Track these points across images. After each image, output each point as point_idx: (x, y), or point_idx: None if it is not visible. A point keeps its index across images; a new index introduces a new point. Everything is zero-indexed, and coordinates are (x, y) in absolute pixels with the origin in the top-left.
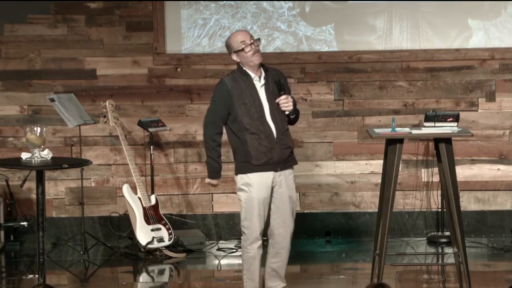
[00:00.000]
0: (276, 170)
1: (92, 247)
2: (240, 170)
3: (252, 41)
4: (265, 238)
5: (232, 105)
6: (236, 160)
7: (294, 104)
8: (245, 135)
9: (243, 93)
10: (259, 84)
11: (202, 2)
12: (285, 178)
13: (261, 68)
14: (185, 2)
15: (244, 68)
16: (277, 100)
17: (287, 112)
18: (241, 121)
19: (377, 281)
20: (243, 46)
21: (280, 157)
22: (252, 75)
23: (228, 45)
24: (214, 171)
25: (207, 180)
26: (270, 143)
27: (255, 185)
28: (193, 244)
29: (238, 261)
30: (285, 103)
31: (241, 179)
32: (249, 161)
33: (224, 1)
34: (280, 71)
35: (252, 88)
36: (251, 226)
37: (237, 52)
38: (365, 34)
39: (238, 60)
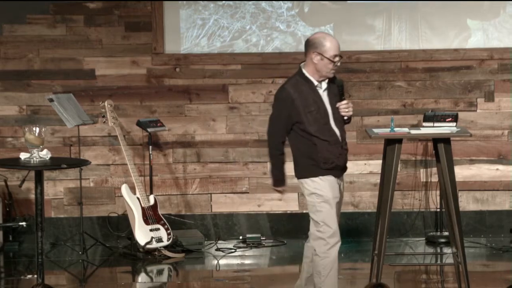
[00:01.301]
0: (338, 176)
1: (90, 247)
2: (309, 173)
3: (339, 59)
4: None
5: (299, 114)
6: (302, 164)
7: None
8: (314, 140)
9: (307, 100)
10: (321, 90)
11: (201, 2)
12: (342, 183)
13: None
14: (184, 2)
15: (306, 74)
16: (337, 105)
17: (346, 117)
18: (308, 129)
19: (376, 281)
20: (335, 60)
21: (344, 162)
22: (315, 82)
23: (317, 44)
24: (278, 180)
25: (273, 187)
26: (338, 149)
27: (327, 187)
28: (191, 244)
29: (236, 261)
30: (346, 108)
31: (312, 182)
32: (319, 165)
33: (223, 1)
34: (340, 79)
35: (315, 94)
36: (328, 230)
37: (323, 57)
38: (364, 34)
39: (315, 62)
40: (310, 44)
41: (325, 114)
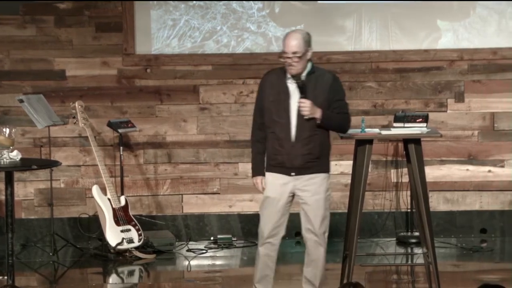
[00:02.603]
0: (289, 175)
1: (61, 248)
2: (265, 168)
3: (291, 56)
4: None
5: (263, 100)
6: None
7: (339, 117)
8: (268, 133)
9: (272, 90)
10: (293, 86)
11: (171, 3)
12: (307, 182)
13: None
14: (155, 3)
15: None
16: (297, 102)
17: (305, 117)
18: (267, 118)
19: (351, 281)
20: (283, 55)
21: (294, 162)
22: (289, 75)
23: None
24: (253, 170)
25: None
26: (288, 147)
27: (268, 184)
28: (163, 245)
29: (208, 262)
30: (303, 106)
31: (266, 177)
32: (268, 161)
33: (194, 2)
34: (335, 79)
35: (284, 86)
36: (260, 226)
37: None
38: (335, 35)
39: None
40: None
41: (286, 109)
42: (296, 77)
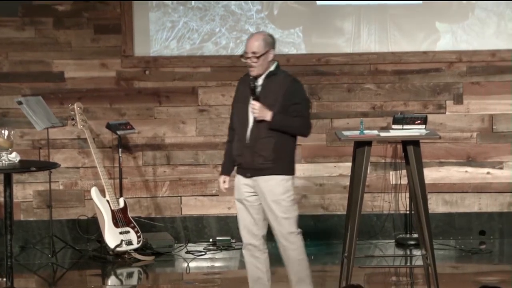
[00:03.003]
0: (246, 176)
1: (60, 250)
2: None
3: (250, 56)
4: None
5: (234, 102)
6: None
7: (294, 120)
8: (234, 135)
9: (241, 92)
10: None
11: (170, 5)
12: (263, 184)
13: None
14: (154, 4)
15: None
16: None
17: (256, 119)
18: (232, 120)
19: (347, 283)
20: (244, 55)
21: (249, 163)
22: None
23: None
24: (221, 169)
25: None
26: (241, 148)
27: (235, 186)
28: (161, 247)
29: (207, 264)
30: (253, 108)
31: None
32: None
33: (193, 4)
34: (294, 83)
35: (248, 90)
36: (239, 226)
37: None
38: (333, 36)
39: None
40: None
41: (245, 112)
42: (256, 78)
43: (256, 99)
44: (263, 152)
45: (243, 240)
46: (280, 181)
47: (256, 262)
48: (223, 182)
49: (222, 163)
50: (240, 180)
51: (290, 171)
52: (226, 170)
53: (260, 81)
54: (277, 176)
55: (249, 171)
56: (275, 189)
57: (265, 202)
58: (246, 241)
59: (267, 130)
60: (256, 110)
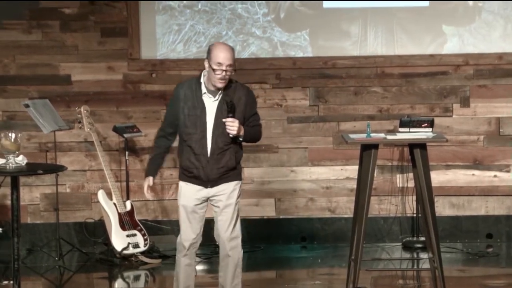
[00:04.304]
0: (206, 187)
1: (67, 253)
2: (180, 175)
3: (227, 68)
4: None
5: (178, 114)
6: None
7: (254, 130)
8: (183, 145)
9: (187, 104)
10: (211, 99)
11: (177, 8)
12: (222, 191)
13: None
14: (160, 7)
15: (202, 79)
16: (223, 120)
17: (230, 135)
18: (181, 132)
19: (354, 286)
20: (216, 68)
21: (210, 176)
22: (204, 89)
23: (209, 51)
24: (146, 169)
25: None
26: (203, 161)
27: (185, 193)
28: (168, 249)
29: (213, 267)
30: (230, 126)
31: (180, 186)
32: (182, 171)
33: (199, 7)
34: (250, 92)
35: (198, 100)
36: (181, 234)
37: (209, 65)
38: (340, 40)
39: (207, 70)
40: (207, 53)
41: (202, 124)
42: (222, 92)
43: (233, 116)
44: (226, 163)
45: (186, 247)
46: (235, 185)
47: (190, 271)
48: (148, 182)
49: (148, 165)
50: (192, 187)
51: (240, 176)
52: (152, 171)
53: (218, 95)
54: (234, 181)
55: (209, 183)
56: (231, 193)
57: (220, 206)
58: (187, 248)
59: (227, 142)
60: (235, 128)
